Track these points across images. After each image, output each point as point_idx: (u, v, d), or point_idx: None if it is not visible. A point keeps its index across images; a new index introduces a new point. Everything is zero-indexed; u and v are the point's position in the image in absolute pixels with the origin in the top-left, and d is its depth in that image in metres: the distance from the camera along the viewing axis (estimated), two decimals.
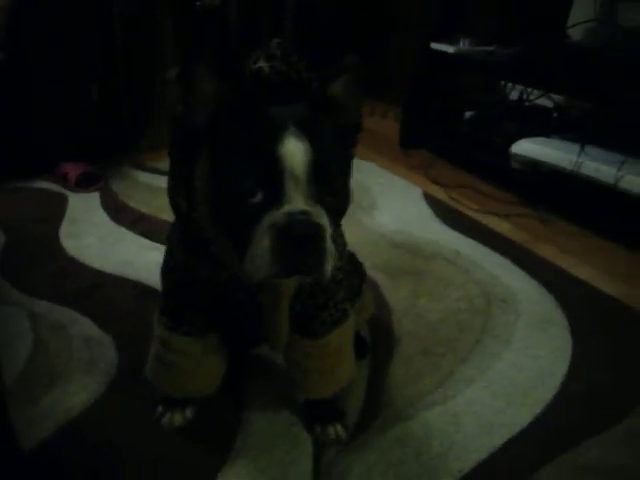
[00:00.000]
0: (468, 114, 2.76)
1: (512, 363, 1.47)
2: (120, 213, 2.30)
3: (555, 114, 2.64)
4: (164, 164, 1.00)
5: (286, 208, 0.81)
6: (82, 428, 1.29)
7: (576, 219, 2.17)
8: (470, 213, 2.26)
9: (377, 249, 2.00)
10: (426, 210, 2.29)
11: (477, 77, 2.80)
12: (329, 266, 0.85)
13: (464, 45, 2.64)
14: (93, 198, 2.44)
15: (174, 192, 0.98)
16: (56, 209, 2.35)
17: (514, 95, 2.80)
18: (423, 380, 1.41)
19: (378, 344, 1.53)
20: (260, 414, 1.31)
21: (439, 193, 2.44)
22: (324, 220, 0.84)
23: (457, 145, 2.71)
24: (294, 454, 1.21)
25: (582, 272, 1.85)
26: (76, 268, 1.92)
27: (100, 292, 1.78)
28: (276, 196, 0.82)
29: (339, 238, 1.12)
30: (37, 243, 2.09)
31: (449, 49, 2.64)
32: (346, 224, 2.03)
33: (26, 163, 2.58)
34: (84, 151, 2.63)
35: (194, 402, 1.31)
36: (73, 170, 2.53)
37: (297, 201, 0.82)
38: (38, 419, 1.31)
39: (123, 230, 2.17)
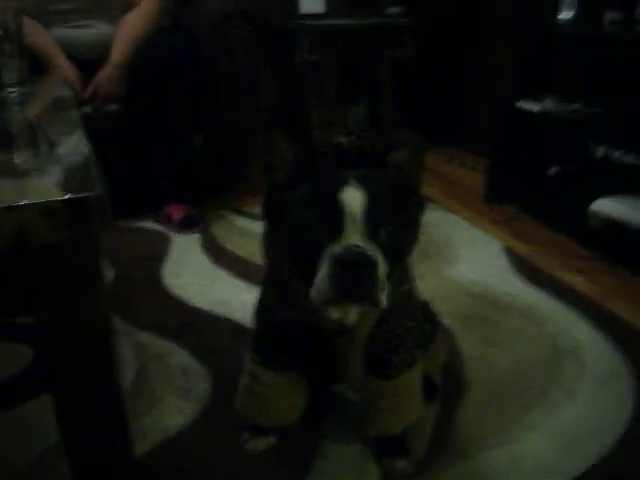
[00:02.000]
0: (552, 170, 2.84)
1: (574, 414, 1.54)
2: (218, 255, 2.51)
3: None
4: (259, 209, 1.18)
5: (344, 242, 1.00)
6: (176, 448, 1.46)
7: None
8: (548, 268, 2.34)
9: (454, 298, 2.12)
10: (505, 263, 2.38)
11: (563, 134, 2.88)
12: (382, 296, 1.01)
13: (548, 104, 2.74)
14: (194, 240, 2.66)
15: (267, 243, 1.16)
16: (160, 248, 2.59)
17: (600, 152, 2.85)
18: (487, 424, 1.51)
19: (448, 388, 1.63)
20: (336, 446, 1.45)
21: (519, 247, 2.53)
22: (376, 254, 1.01)
23: (539, 201, 2.79)
24: None
25: None
26: (176, 304, 2.13)
27: (197, 327, 1.98)
28: (337, 234, 1.01)
29: (412, 292, 1.26)
30: (142, 279, 2.32)
31: (534, 107, 2.75)
32: (427, 274, 2.20)
33: (135, 205, 2.84)
34: (188, 194, 2.86)
35: (277, 431, 1.46)
36: (177, 212, 2.76)
37: (353, 237, 1.01)
38: (140, 435, 1.49)
39: (220, 271, 2.37)
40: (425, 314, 1.55)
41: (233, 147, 3.05)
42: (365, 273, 0.99)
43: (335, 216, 1.01)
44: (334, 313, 1.14)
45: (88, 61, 2.62)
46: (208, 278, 2.33)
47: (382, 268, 1.01)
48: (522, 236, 2.62)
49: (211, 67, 2.93)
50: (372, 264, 0.99)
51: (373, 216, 1.02)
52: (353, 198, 1.01)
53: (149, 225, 2.84)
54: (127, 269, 2.40)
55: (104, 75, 2.61)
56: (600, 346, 1.82)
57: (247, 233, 2.71)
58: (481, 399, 1.60)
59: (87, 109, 2.63)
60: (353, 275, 0.99)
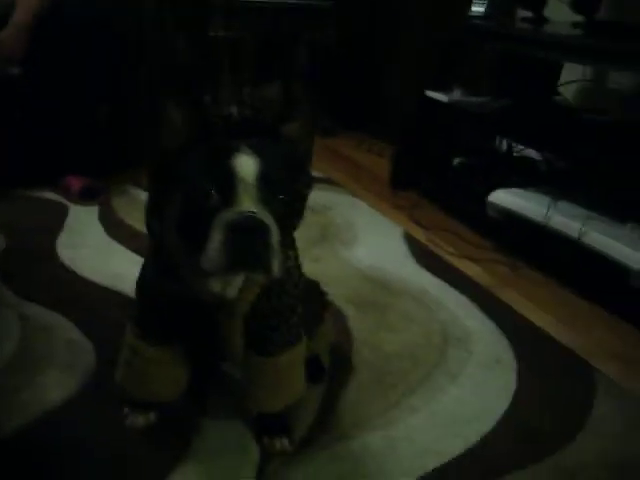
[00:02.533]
0: (457, 160, 2.90)
1: (456, 397, 1.58)
2: (116, 229, 2.44)
3: (543, 166, 2.75)
4: None
5: (237, 208, 0.98)
6: (54, 421, 1.42)
7: (543, 269, 2.28)
8: (445, 255, 2.39)
9: (350, 281, 2.13)
10: (403, 249, 2.42)
11: (469, 125, 2.93)
12: (276, 263, 1.00)
13: (457, 94, 2.79)
14: (92, 212, 2.59)
15: (150, 216, 1.12)
16: (56, 219, 2.50)
17: (503, 145, 2.93)
18: (371, 406, 1.52)
19: (336, 370, 1.64)
20: (216, 423, 1.43)
21: (419, 234, 2.57)
22: (270, 221, 0.99)
23: (442, 189, 2.85)
24: (241, 461, 1.33)
25: (540, 319, 1.96)
26: (69, 277, 2.06)
27: (88, 301, 1.92)
28: (229, 200, 0.98)
29: (295, 269, 1.26)
30: (35, 250, 2.24)
31: (443, 98, 2.78)
32: (324, 256, 2.21)
33: (33, 173, 2.74)
34: (88, 166, 2.77)
35: (158, 407, 1.43)
36: (76, 183, 2.68)
37: (247, 204, 0.99)
38: (17, 409, 1.44)
39: (117, 245, 2.31)
40: (314, 294, 1.55)
41: (139, 120, 2.97)
42: (259, 239, 0.97)
43: (228, 183, 0.98)
44: (215, 286, 1.12)
45: None
46: (104, 252, 2.26)
47: (276, 235, 0.99)
48: (423, 223, 2.66)
49: (120, 36, 2.85)
50: (266, 230, 0.97)
51: (266, 183, 1.00)
52: (246, 164, 0.99)
53: (47, 195, 2.74)
54: (20, 239, 2.31)
55: (4, 34, 2.50)
56: (488, 334, 1.87)
57: None
58: (366, 381, 1.62)
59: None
60: (247, 241, 0.97)
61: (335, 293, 1.94)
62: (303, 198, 1.16)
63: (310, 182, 1.17)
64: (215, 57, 3.53)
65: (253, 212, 0.98)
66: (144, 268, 1.27)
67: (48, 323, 1.78)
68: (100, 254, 2.22)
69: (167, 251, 1.12)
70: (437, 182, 2.89)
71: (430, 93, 2.85)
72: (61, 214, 2.56)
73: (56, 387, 1.52)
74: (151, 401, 1.40)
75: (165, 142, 1.08)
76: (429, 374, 1.66)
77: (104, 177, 2.84)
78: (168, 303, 1.20)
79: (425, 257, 2.36)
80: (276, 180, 1.03)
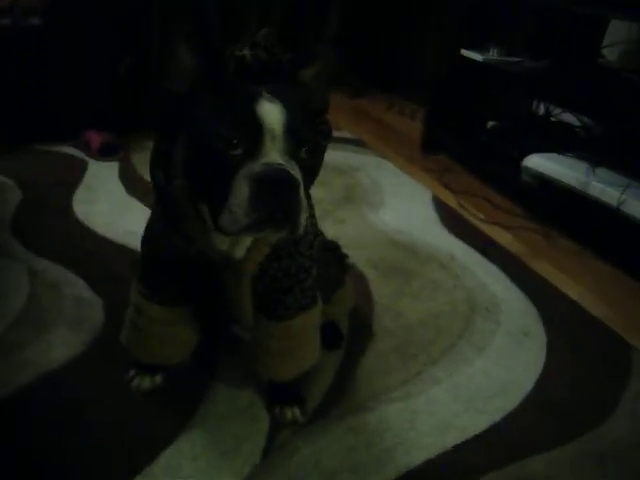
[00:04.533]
0: (491, 124, 2.76)
1: (481, 370, 1.49)
2: (135, 185, 2.37)
3: (581, 132, 2.62)
4: None
5: (263, 160, 0.88)
6: (58, 381, 1.36)
7: (578, 238, 2.17)
8: (475, 221, 2.28)
9: (375, 245, 2.04)
10: (432, 214, 2.31)
11: (505, 87, 2.80)
12: (302, 220, 0.91)
13: (493, 54, 2.65)
14: (112, 168, 2.52)
15: (154, 164, 1.03)
16: (75, 174, 2.44)
17: (541, 108, 2.79)
18: (390, 376, 1.44)
19: (354, 337, 1.56)
20: (226, 388, 1.36)
21: (449, 199, 2.46)
22: (297, 174, 0.90)
23: (475, 153, 2.72)
24: (250, 429, 1.26)
25: (572, 290, 1.85)
26: (82, 232, 2.00)
27: (100, 257, 1.85)
28: (254, 150, 0.89)
29: (311, 227, 1.16)
30: (50, 204, 2.18)
31: (478, 57, 2.65)
32: (349, 217, 2.12)
33: (53, 128, 2.67)
34: (109, 121, 2.70)
35: (165, 369, 1.36)
36: (96, 139, 2.60)
37: (274, 155, 0.89)
38: (20, 366, 1.39)
39: (134, 201, 2.24)
40: (333, 256, 1.46)
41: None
42: (288, 194, 0.88)
43: (253, 132, 0.88)
44: (222, 244, 1.03)
45: None
46: (120, 208, 2.19)
47: (302, 188, 0.90)
48: (453, 187, 2.55)
49: None
50: (296, 184, 0.88)
51: (292, 133, 0.91)
52: (272, 112, 0.89)
53: (67, 150, 2.68)
54: (36, 193, 2.26)
55: None
56: (517, 304, 1.77)
57: None
58: (387, 350, 1.53)
59: (5, 21, 2.43)
60: (276, 196, 0.87)
61: (358, 256, 1.87)
62: (321, 150, 1.06)
63: (329, 132, 1.07)
64: (242, 11, 3.43)
65: (281, 164, 0.88)
66: (149, 222, 1.19)
67: (57, 279, 1.72)
68: (116, 210, 2.15)
69: (173, 204, 1.03)
70: (470, 145, 2.76)
71: (465, 52, 2.71)
72: (80, 169, 2.50)
73: (62, 345, 1.47)
74: (157, 363, 1.33)
75: (174, 82, 0.97)
76: (453, 345, 1.57)
77: (125, 133, 2.76)
78: (173, 260, 1.12)
79: (454, 222, 2.25)
80: (301, 130, 0.93)
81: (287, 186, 0.88)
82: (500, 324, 1.67)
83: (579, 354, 1.58)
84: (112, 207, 2.18)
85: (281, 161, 0.89)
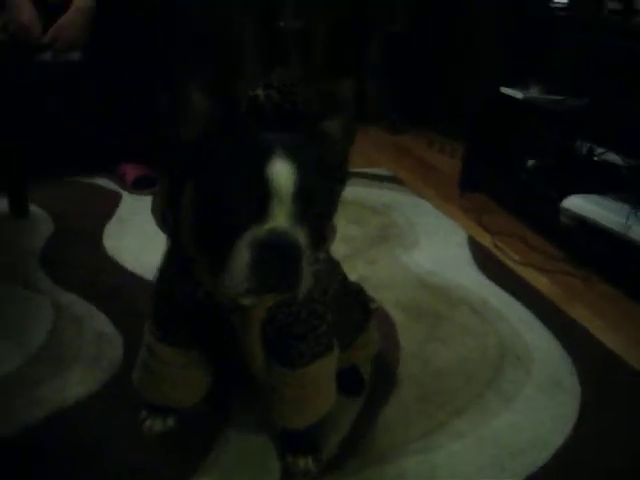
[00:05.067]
0: (530, 162, 2.70)
1: (508, 423, 1.41)
2: (166, 220, 2.36)
3: (624, 173, 2.52)
4: None
5: (268, 226, 0.85)
6: (72, 419, 1.34)
7: (618, 283, 2.07)
8: (511, 264, 2.21)
9: (405, 287, 1.98)
10: (466, 254, 2.24)
11: (545, 125, 2.73)
12: (304, 286, 0.88)
13: (534, 91, 2.59)
14: (145, 202, 2.51)
15: (163, 205, 1.01)
16: (108, 207, 2.46)
17: (582, 148, 2.71)
18: (412, 427, 1.38)
19: (377, 383, 1.50)
20: (238, 435, 1.32)
21: (485, 239, 2.39)
22: (303, 240, 0.87)
23: (513, 192, 2.65)
24: (260, 479, 1.21)
25: (610, 339, 1.76)
26: (111, 266, 2.00)
27: (125, 292, 1.84)
28: (260, 214, 0.85)
29: (324, 273, 1.11)
30: (81, 237, 2.20)
31: (518, 94, 2.60)
32: (380, 258, 2.07)
33: (89, 160, 2.70)
34: (146, 154, 2.71)
35: (178, 412, 1.33)
36: (132, 171, 2.62)
37: (280, 220, 0.85)
38: (35, 403, 1.37)
39: (164, 236, 2.23)
40: (357, 300, 1.42)
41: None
42: (290, 262, 0.85)
43: (259, 191, 0.85)
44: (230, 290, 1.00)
45: (51, 3, 2.46)
46: (151, 243, 2.17)
47: (307, 255, 0.87)
48: (490, 227, 2.48)
49: (184, 21, 2.77)
50: (299, 252, 0.85)
51: (302, 195, 0.86)
52: (283, 173, 0.85)
53: (101, 182, 2.71)
54: (68, 225, 2.28)
55: (67, 19, 2.46)
56: (550, 352, 1.69)
57: None
58: (411, 398, 1.47)
59: (46, 56, 2.48)
60: (277, 263, 0.85)
61: (387, 298, 1.83)
62: (336, 196, 1.02)
63: (344, 178, 1.03)
64: (283, 47, 3.45)
65: (287, 231, 0.85)
66: (162, 263, 1.16)
67: (81, 314, 1.72)
68: (146, 245, 2.14)
69: (181, 246, 1.01)
70: (508, 185, 2.70)
71: (505, 90, 2.66)
72: (113, 202, 2.51)
73: (78, 383, 1.45)
74: (168, 405, 1.30)
75: (185, 129, 0.95)
76: (481, 395, 1.50)
77: (160, 167, 2.77)
78: (183, 302, 1.09)
79: (489, 264, 2.18)
80: (313, 191, 0.89)
81: (289, 255, 0.85)
82: (531, 374, 1.59)
83: (615, 411, 1.49)
84: (142, 242, 2.17)
85: (287, 227, 0.85)
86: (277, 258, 0.84)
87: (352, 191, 2.71)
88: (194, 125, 0.94)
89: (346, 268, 1.92)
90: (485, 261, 2.20)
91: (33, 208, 2.39)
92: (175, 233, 1.01)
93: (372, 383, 1.50)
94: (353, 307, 1.38)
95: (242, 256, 0.84)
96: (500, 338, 1.73)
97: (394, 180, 3.00)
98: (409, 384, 1.52)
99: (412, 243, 2.31)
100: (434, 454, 1.30)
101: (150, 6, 2.58)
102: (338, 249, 2.14)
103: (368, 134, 3.75)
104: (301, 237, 0.86)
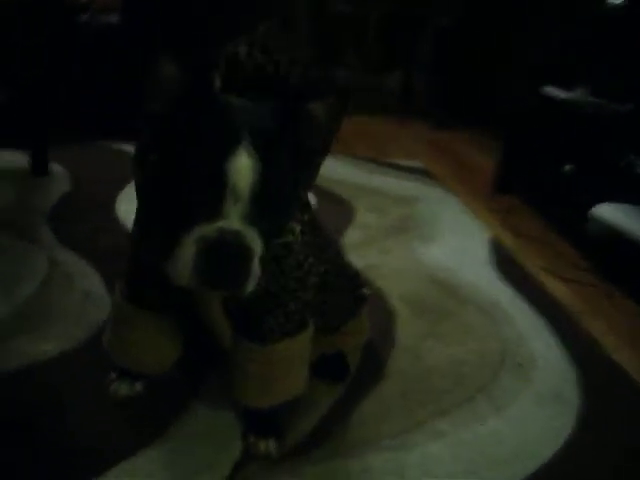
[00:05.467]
0: (568, 166, 2.56)
1: (494, 430, 1.32)
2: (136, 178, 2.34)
3: None
4: None
5: (220, 224, 0.79)
6: (39, 374, 1.31)
7: None
8: (531, 268, 2.10)
9: (413, 279, 1.90)
10: (485, 254, 2.14)
11: (586, 129, 2.60)
12: (251, 285, 0.83)
13: (578, 94, 2.47)
14: None
15: (135, 167, 0.95)
16: (127, 172, 2.41)
17: (623, 156, 2.57)
18: (389, 423, 1.30)
19: (362, 374, 1.43)
20: (205, 408, 1.27)
21: (509, 241, 2.28)
22: (256, 244, 0.81)
23: (546, 196, 2.54)
24: (216, 458, 1.16)
25: (622, 356, 1.65)
26: (117, 228, 1.97)
27: (125, 256, 1.79)
28: (213, 210, 0.79)
29: (299, 246, 1.04)
30: (95, 198, 2.18)
31: (559, 95, 2.48)
32: (395, 248, 1.99)
33: (117, 125, 2.67)
34: None
35: (147, 378, 1.29)
36: None
37: (233, 220, 0.80)
38: (8, 354, 1.35)
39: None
40: (349, 284, 1.34)
41: None
42: (236, 264, 0.80)
43: (216, 185, 0.79)
44: None
45: None
46: None
47: (258, 256, 0.82)
48: (515, 229, 2.37)
49: None
50: (247, 255, 0.80)
51: (263, 193, 0.80)
52: (244, 170, 0.79)
53: (127, 148, 2.67)
54: (85, 187, 2.29)
55: None
56: (555, 363, 1.59)
57: None
58: (393, 393, 1.39)
59: (84, 17, 2.46)
60: (221, 263, 0.80)
61: (391, 289, 1.78)
62: (313, 167, 0.95)
63: (325, 150, 0.95)
64: (333, 34, 3.39)
65: (238, 233, 0.79)
66: (133, 223, 1.10)
67: (74, 271, 1.69)
68: None
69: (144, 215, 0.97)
70: (541, 188, 2.58)
71: (548, 89, 2.54)
72: None
73: (56, 338, 1.42)
74: (136, 370, 1.25)
75: (151, 102, 0.88)
76: (470, 398, 1.41)
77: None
78: (147, 267, 1.03)
79: (508, 266, 2.07)
80: (276, 190, 0.83)
81: (238, 257, 0.80)
82: (530, 382, 1.49)
83: (613, 428, 1.39)
84: None
85: (239, 228, 0.80)
86: (224, 260, 0.80)
87: (378, 180, 2.65)
88: (161, 98, 0.87)
89: (356, 255, 1.88)
90: (504, 262, 2.10)
91: (55, 167, 2.38)
92: (138, 196, 0.95)
93: (357, 374, 1.42)
94: (344, 290, 1.31)
95: (188, 251, 0.80)
96: (503, 342, 1.64)
97: (425, 173, 2.90)
98: (395, 379, 1.44)
99: (431, 236, 2.22)
100: (407, 453, 1.22)
101: None
102: (352, 235, 2.08)
103: (410, 127, 3.66)
104: (254, 238, 0.81)
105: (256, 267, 0.82)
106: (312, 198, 2.30)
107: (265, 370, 1.10)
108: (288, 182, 0.85)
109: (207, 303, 1.04)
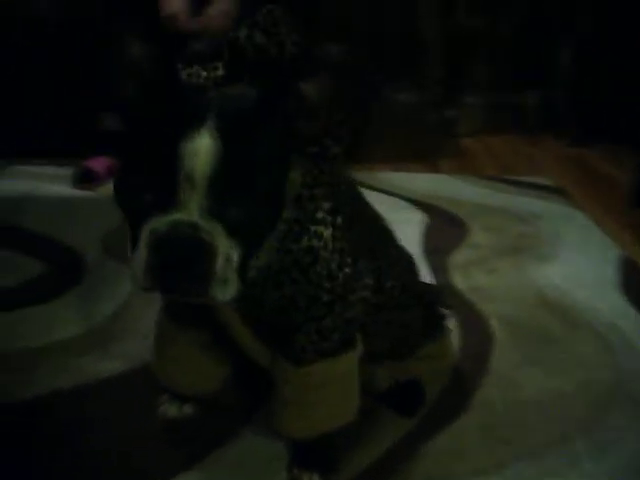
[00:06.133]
0: None
1: None
2: None
3: None
4: None
5: (174, 216, 0.70)
6: (94, 393, 1.29)
7: None
8: None
9: (519, 301, 1.70)
10: (612, 275, 1.88)
11: None
12: (222, 290, 0.72)
13: None
14: None
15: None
16: None
17: None
18: (463, 461, 1.14)
19: (443, 403, 1.27)
20: (254, 436, 1.17)
21: None
22: (218, 239, 0.70)
23: None
24: None
25: None
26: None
27: None
28: (168, 199, 0.70)
29: (328, 253, 0.91)
30: None
31: None
32: (504, 268, 1.81)
33: None
34: None
35: (200, 401, 1.22)
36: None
37: (189, 211, 0.70)
38: (68, 372, 1.33)
39: None
40: (428, 304, 1.20)
41: None
42: (196, 264, 0.70)
43: (171, 172, 0.70)
44: None
45: None
46: None
47: (225, 255, 0.71)
48: None
49: None
50: (210, 253, 0.70)
51: (225, 183, 0.70)
52: (200, 152, 0.69)
53: None
54: None
55: (215, 9, 2.42)
56: None
57: None
58: (474, 428, 1.22)
59: (197, 45, 2.48)
60: (176, 265, 0.70)
61: (493, 311, 1.62)
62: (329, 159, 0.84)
63: (337, 139, 0.84)
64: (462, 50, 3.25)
65: (194, 225, 0.69)
66: None
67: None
68: None
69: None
70: None
71: None
72: None
73: (121, 357, 1.39)
74: (179, 390, 1.19)
75: (117, 84, 0.82)
76: (565, 438, 1.20)
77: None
78: None
79: (639, 288, 1.81)
80: (250, 173, 0.72)
81: (192, 255, 0.69)
82: None
83: None
84: None
85: (196, 220, 0.69)
86: (178, 257, 0.69)
87: (500, 198, 2.46)
88: (128, 80, 0.81)
89: (460, 276, 1.73)
90: (635, 283, 1.83)
91: None
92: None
93: (436, 404, 1.26)
94: (413, 309, 1.16)
95: (142, 249, 0.71)
96: (618, 374, 1.41)
97: (553, 190, 2.64)
98: (480, 411, 1.27)
99: (548, 256, 1.99)
100: None
101: None
102: (459, 255, 1.92)
103: (543, 145, 3.40)
104: (217, 232, 0.70)
105: (224, 267, 0.71)
106: (418, 216, 2.18)
107: (301, 394, 0.99)
108: (269, 169, 0.74)
109: (228, 319, 0.94)
